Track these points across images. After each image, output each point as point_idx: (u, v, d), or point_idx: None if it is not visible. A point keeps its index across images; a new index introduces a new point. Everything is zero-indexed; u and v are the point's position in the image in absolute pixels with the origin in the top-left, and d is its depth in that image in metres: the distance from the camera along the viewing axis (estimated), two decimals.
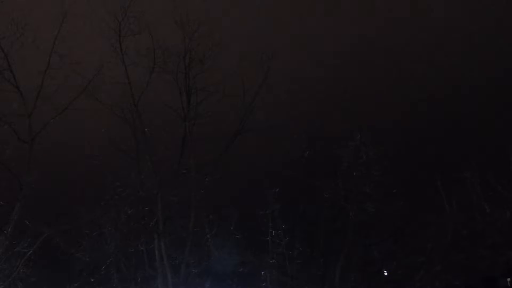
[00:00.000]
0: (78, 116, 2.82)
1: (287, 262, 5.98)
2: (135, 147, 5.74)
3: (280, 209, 5.79)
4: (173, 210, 5.92)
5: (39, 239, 5.41)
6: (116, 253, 6.27)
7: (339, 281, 6.13)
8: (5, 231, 5.32)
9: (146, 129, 5.38)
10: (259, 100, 4.60)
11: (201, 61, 5.22)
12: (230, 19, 2.21)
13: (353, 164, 5.94)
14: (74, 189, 2.52)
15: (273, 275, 6.02)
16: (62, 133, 2.45)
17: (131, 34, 3.75)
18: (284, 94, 3.46)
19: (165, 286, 6.10)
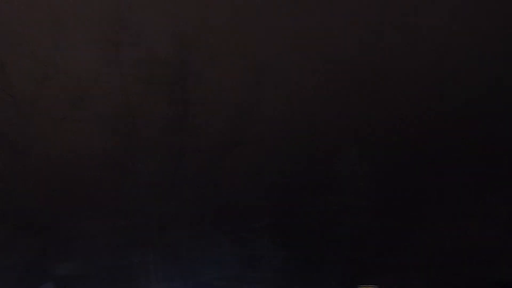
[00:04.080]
0: (73, 126, 2.80)
1: (280, 276, 6.03)
2: (130, 158, 5.81)
3: (274, 222, 5.88)
4: (168, 222, 5.99)
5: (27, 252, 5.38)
6: (108, 266, 6.29)
7: None
8: None
9: (141, 140, 5.45)
10: (256, 112, 4.61)
11: (198, 72, 5.30)
12: (230, 30, 2.16)
13: (347, 178, 5.99)
14: (66, 199, 2.47)
15: None
16: (57, 143, 2.42)
17: (128, 45, 3.75)
18: (281, 106, 3.44)
19: None
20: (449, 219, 3.30)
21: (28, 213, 2.66)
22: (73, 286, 3.26)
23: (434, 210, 3.13)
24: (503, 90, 2.30)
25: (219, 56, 1.90)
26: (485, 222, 3.26)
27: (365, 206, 3.44)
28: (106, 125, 2.13)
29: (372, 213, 3.60)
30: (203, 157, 2.31)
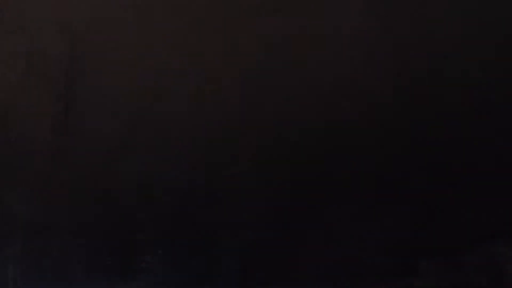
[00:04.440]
0: None
1: None
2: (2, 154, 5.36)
3: (156, 234, 5.69)
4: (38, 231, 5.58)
5: None
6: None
7: None
8: None
9: (13, 142, 4.95)
10: (147, 118, 4.44)
11: (87, 70, 4.91)
12: (129, 26, 1.98)
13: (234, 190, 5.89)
14: None
15: None
16: None
17: (5, 32, 3.45)
18: (177, 109, 3.29)
19: None
20: (337, 234, 3.31)
21: None
22: None
23: (324, 223, 3.12)
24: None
25: (113, 54, 1.72)
26: (376, 236, 3.30)
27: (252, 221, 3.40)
28: None
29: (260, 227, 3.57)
30: (86, 161, 2.11)
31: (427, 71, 2.15)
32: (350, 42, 1.98)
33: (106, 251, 3.11)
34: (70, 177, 2.07)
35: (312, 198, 2.74)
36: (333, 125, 2.28)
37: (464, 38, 1.98)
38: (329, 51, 1.96)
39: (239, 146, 2.32)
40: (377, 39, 1.93)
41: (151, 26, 1.75)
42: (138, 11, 1.62)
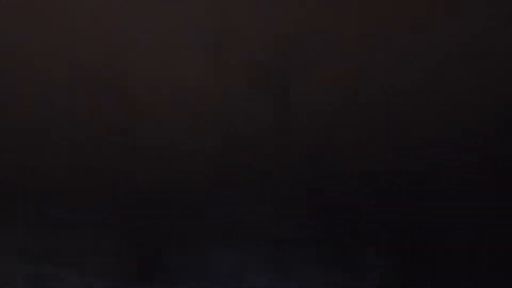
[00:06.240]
0: (175, 126, 2.68)
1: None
2: (224, 160, 5.49)
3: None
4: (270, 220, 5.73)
5: None
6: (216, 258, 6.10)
7: None
8: None
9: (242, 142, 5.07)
10: (358, 114, 4.40)
11: (299, 75, 4.81)
12: (332, 31, 2.01)
13: None
14: (170, 198, 2.31)
15: None
16: (160, 142, 2.33)
17: (228, 48, 3.60)
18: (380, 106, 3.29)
19: None
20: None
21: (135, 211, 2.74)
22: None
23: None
24: None
25: (321, 58, 1.87)
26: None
27: None
28: (208, 126, 2.16)
29: None
30: (304, 160, 2.30)
31: None
32: (488, 57, 1.92)
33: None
34: (291, 173, 2.26)
35: None
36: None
37: None
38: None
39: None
40: None
41: (355, 30, 1.87)
42: (336, 13, 1.75)
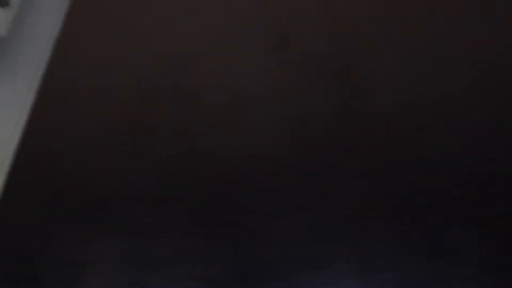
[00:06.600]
0: (246, 128, 2.67)
1: None
2: (299, 158, 5.31)
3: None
4: (354, 214, 5.51)
5: None
6: (294, 258, 5.90)
7: None
8: None
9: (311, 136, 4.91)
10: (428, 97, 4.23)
11: (360, 62, 4.70)
12: (388, 17, 2.04)
13: None
14: (250, 198, 2.31)
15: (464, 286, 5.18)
16: (235, 144, 2.32)
17: (288, 46, 3.60)
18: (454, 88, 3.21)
19: None
20: None
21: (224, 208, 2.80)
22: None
23: None
24: None
25: (380, 44, 1.91)
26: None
27: None
28: (277, 124, 2.22)
29: None
30: (377, 148, 2.31)
31: None
32: None
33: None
34: (359, 156, 2.26)
35: None
36: None
37: None
38: None
39: None
40: None
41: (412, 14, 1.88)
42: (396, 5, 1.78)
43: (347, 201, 2.54)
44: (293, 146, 2.39)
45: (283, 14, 1.86)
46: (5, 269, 2.92)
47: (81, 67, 1.70)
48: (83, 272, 3.06)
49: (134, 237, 2.84)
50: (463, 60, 2.17)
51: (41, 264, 2.93)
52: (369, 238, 2.96)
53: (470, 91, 2.37)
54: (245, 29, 2.00)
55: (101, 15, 1.59)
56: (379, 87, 2.25)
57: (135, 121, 2.07)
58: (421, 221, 2.76)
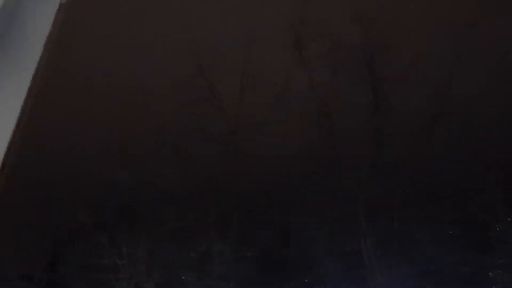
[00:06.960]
0: (276, 127, 2.78)
1: None
2: (329, 154, 5.42)
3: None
4: (376, 208, 5.53)
5: None
6: (323, 256, 5.89)
7: None
8: None
9: (338, 129, 5.09)
10: (454, 86, 4.25)
11: (384, 54, 4.82)
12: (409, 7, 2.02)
13: None
14: (279, 194, 2.38)
15: (504, 276, 4.80)
16: (263, 144, 2.41)
17: (313, 39, 3.60)
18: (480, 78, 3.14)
19: (378, 285, 5.69)
20: None
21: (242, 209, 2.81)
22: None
23: None
24: None
25: (403, 34, 1.89)
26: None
27: None
28: (304, 121, 2.21)
29: None
30: (401, 139, 2.29)
31: None
32: None
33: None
34: (388, 157, 2.26)
35: None
36: None
37: None
38: None
39: None
40: None
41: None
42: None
43: (381, 194, 2.51)
44: (321, 142, 2.38)
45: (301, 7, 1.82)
46: (27, 273, 2.94)
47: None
48: (108, 277, 3.10)
49: (160, 240, 2.89)
50: (489, 54, 2.11)
51: (66, 268, 2.96)
52: (407, 233, 2.95)
53: (498, 89, 2.32)
54: (261, 26, 1.97)
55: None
56: (402, 79, 2.21)
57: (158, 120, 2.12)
58: (465, 214, 2.70)
